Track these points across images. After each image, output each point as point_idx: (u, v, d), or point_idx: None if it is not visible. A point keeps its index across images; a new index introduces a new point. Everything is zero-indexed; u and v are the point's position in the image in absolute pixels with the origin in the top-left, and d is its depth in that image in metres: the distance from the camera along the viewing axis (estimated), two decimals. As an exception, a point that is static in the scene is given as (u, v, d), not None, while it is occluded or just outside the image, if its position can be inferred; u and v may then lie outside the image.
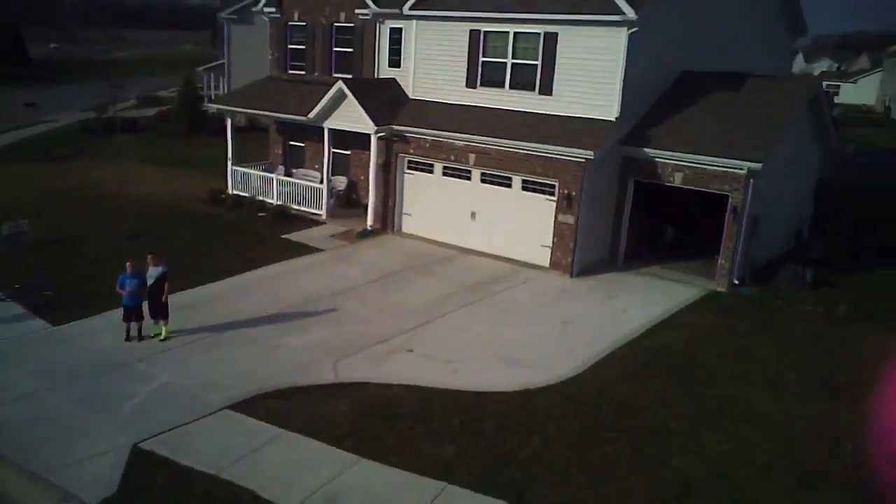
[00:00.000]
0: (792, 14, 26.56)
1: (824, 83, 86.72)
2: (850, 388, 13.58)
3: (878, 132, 59.24)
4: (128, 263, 14.52)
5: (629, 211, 20.00)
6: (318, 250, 20.63)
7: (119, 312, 14.62)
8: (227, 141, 25.58)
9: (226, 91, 42.76)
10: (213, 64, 46.06)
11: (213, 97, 43.51)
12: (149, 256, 14.80)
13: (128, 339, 14.58)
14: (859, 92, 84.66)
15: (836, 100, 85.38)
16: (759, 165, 17.39)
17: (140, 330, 14.68)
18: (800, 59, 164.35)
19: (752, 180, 17.74)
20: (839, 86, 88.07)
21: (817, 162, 22.84)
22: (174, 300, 15.23)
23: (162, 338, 14.73)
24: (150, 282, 14.65)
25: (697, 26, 21.29)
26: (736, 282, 18.71)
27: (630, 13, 17.87)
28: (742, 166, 17.65)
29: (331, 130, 22.65)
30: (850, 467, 11.04)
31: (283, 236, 21.67)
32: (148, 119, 44.86)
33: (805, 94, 19.43)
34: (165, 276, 14.76)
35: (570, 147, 18.22)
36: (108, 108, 45.90)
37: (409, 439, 11.56)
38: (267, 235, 21.70)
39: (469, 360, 14.38)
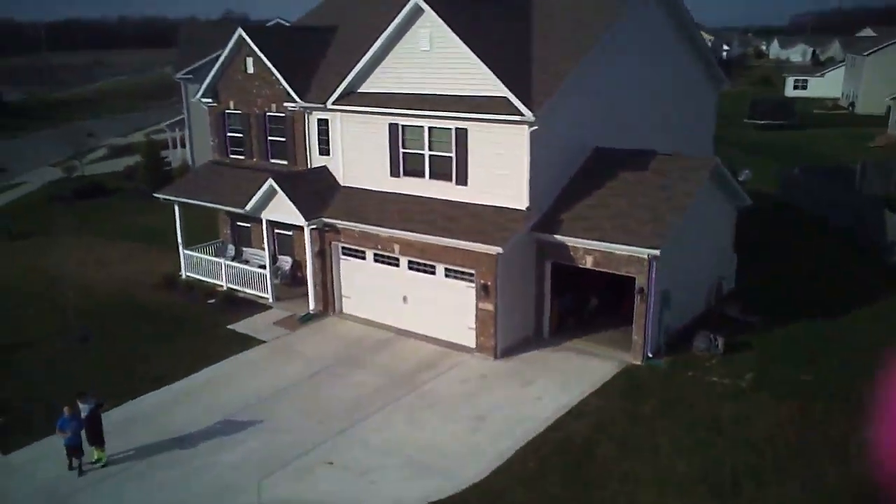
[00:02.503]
0: (710, 71, 27.69)
1: (794, 79, 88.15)
2: (734, 480, 14.74)
3: (840, 133, 60.29)
4: (65, 408, 15.77)
5: (549, 289, 21.10)
6: (260, 342, 21.77)
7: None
8: (177, 225, 26.82)
9: (189, 147, 43.85)
10: (177, 119, 47.04)
11: (171, 163, 44.59)
12: (76, 402, 16.02)
13: (71, 468, 15.79)
14: (827, 85, 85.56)
15: (806, 93, 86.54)
16: (657, 252, 18.53)
17: (80, 463, 15.84)
18: (775, 46, 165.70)
19: (654, 263, 18.88)
20: (807, 80, 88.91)
21: (731, 219, 23.89)
22: (115, 415, 16.99)
23: (101, 464, 15.95)
24: (83, 415, 15.87)
25: (612, 101, 22.47)
26: (650, 355, 19.84)
27: (528, 115, 18.97)
28: (643, 252, 18.79)
29: (269, 220, 23.76)
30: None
31: (229, 326, 22.84)
32: (118, 176, 46.03)
33: (704, 173, 20.52)
34: (96, 409, 16.01)
35: (482, 243, 19.35)
36: (76, 167, 47.32)
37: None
38: (212, 327, 22.84)
39: (384, 468, 15.54)
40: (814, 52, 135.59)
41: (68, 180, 45.23)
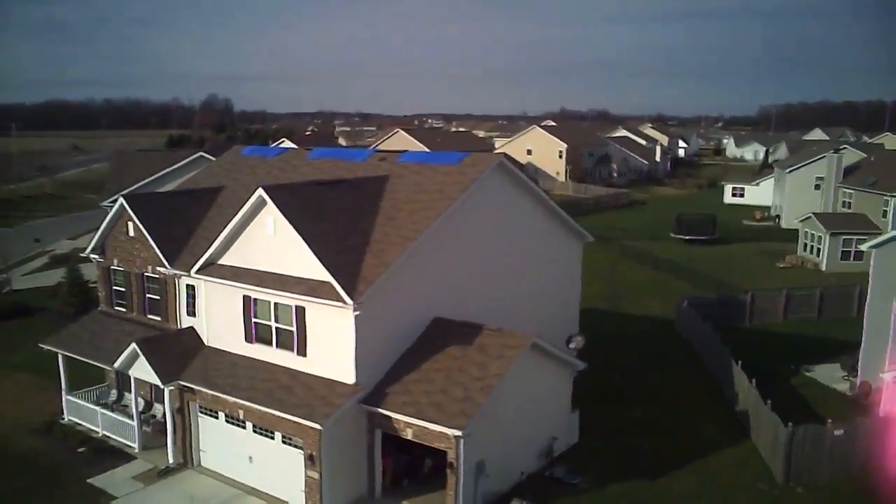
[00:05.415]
0: (568, 227, 30.05)
1: (732, 187, 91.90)
2: None
3: (756, 250, 62.93)
4: None
5: (379, 455, 22.76)
6: (112, 498, 23.17)
7: None
8: (61, 374, 28.44)
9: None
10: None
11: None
12: None
13: None
14: (761, 194, 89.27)
15: (743, 201, 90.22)
16: (460, 433, 20.33)
17: None
18: (731, 144, 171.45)
19: (461, 441, 20.64)
20: (743, 188, 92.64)
21: (566, 383, 25.77)
22: None
23: None
24: None
25: (456, 272, 24.66)
26: (462, 525, 21.41)
27: (349, 302, 21.03)
28: (450, 431, 20.57)
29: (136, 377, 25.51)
30: None
31: (89, 480, 24.19)
32: (46, 293, 47.51)
33: (518, 351, 22.44)
34: None
35: (306, 419, 21.10)
36: (4, 282, 48.95)
37: None
38: (73, 481, 24.18)
39: None
40: (766, 151, 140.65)
41: (-3, 296, 46.74)
